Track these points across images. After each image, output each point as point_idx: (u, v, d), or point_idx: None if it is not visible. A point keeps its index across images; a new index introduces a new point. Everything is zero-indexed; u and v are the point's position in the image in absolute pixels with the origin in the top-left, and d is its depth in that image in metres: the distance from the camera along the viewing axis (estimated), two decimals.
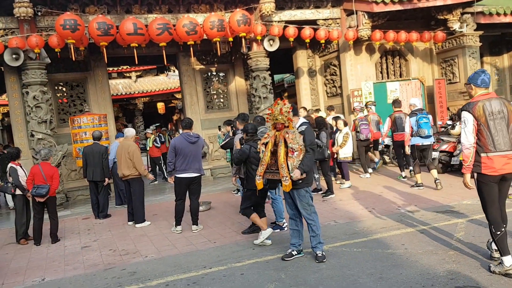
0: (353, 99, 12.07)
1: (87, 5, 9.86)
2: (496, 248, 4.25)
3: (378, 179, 9.98)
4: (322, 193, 8.72)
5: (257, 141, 5.86)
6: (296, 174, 4.78)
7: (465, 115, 4.14)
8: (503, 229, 4.08)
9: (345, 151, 9.17)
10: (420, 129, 8.27)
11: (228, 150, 9.03)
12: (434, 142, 8.91)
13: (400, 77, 13.20)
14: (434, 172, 8.36)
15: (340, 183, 9.53)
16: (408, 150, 8.61)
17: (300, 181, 4.88)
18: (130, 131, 8.15)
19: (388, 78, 13.08)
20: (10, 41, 8.84)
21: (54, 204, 7.26)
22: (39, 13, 9.16)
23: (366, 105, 11.23)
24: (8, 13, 9.07)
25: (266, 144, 5.07)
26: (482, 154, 4.09)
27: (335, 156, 9.28)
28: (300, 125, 5.25)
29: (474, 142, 4.10)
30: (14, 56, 9.03)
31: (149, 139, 13.83)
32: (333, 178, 9.32)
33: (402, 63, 13.37)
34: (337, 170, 9.90)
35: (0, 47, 8.80)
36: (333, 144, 9.27)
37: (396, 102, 9.76)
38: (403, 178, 9.62)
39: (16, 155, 7.51)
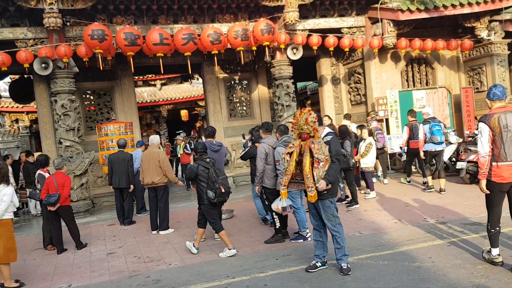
0: (378, 107, 11.94)
1: (115, 16, 10.09)
2: (489, 241, 4.81)
3: (404, 189, 9.80)
4: (346, 203, 8.63)
5: (205, 159, 6.13)
6: (322, 185, 4.74)
7: (482, 126, 4.57)
8: (497, 228, 4.69)
9: (367, 161, 9.09)
10: (433, 135, 8.96)
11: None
12: (445, 148, 9.54)
13: (427, 85, 12.99)
14: (442, 181, 8.99)
15: (365, 193, 9.41)
16: (422, 155, 9.25)
17: (325, 192, 4.84)
18: (156, 139, 8.24)
19: (414, 86, 12.89)
20: (40, 51, 9.10)
21: (67, 212, 7.21)
22: (68, 23, 9.43)
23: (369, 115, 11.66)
24: (37, 23, 9.36)
25: (290, 154, 5.04)
26: (493, 163, 4.54)
27: (359, 165, 9.20)
28: (326, 135, 5.20)
29: (489, 151, 4.52)
30: (43, 65, 9.28)
31: (179, 145, 13.98)
32: (357, 188, 9.22)
33: (428, 71, 13.17)
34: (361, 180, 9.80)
35: (29, 56, 9.07)
36: (357, 153, 9.19)
37: (412, 112, 10.18)
38: (408, 182, 10.26)
39: (44, 162, 7.69)
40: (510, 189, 4.61)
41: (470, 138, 10.74)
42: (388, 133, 11.78)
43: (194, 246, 6.33)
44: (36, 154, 12.55)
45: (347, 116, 11.42)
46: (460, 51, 12.97)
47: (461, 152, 9.86)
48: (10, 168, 9.30)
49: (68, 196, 7.22)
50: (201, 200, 6.15)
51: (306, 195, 5.03)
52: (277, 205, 5.82)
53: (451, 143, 10.51)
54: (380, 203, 8.54)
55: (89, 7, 9.35)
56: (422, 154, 9.22)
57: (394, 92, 11.99)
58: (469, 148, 9.71)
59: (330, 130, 5.45)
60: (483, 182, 4.62)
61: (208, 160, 6.21)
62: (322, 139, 5.06)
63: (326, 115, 11.08)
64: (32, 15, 9.38)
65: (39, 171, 7.61)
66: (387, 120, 12.01)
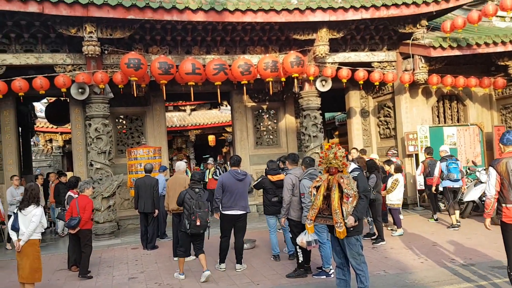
0: (408, 142, 11.79)
1: (151, 46, 10.47)
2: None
3: (432, 226, 9.54)
4: (373, 239, 8.47)
5: (194, 189, 6.46)
6: (351, 221, 4.69)
7: (490, 170, 4.86)
8: None
9: (392, 198, 8.92)
10: (450, 173, 9.35)
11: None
12: (461, 185, 9.73)
13: (458, 122, 12.78)
14: (453, 217, 9.35)
15: (392, 230, 9.22)
16: (434, 189, 9.75)
17: (352, 229, 4.78)
18: (182, 165, 8.35)
19: (445, 122, 12.70)
20: (77, 76, 9.50)
21: (86, 236, 7.11)
22: (106, 52, 9.84)
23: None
24: (76, 50, 9.79)
25: (318, 188, 5.01)
26: (503, 204, 4.78)
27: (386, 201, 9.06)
28: (353, 171, 5.18)
29: (495, 194, 4.80)
30: (80, 90, 9.66)
31: (208, 170, 14.01)
32: (383, 224, 9.05)
33: (460, 108, 12.99)
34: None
35: (67, 81, 9.47)
36: (385, 189, 9.05)
37: (428, 149, 10.64)
38: (435, 220, 10.10)
39: (74, 184, 7.90)
40: None
41: None
42: (401, 171, 11.49)
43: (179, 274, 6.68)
44: (69, 175, 12.95)
45: (363, 151, 11.23)
46: (493, 89, 12.75)
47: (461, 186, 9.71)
48: (41, 189, 9.65)
49: (90, 220, 7.13)
50: (180, 226, 6.62)
51: (329, 231, 4.99)
52: (301, 239, 5.79)
53: (481, 182, 10.21)
54: (407, 241, 8.33)
55: (127, 37, 9.76)
56: (434, 189, 9.75)
57: (425, 128, 11.85)
58: None
59: (357, 166, 5.44)
60: (487, 221, 5.04)
61: (197, 190, 6.48)
62: (350, 174, 5.04)
63: (353, 148, 11.01)
64: (71, 42, 9.85)
65: (69, 193, 7.83)
66: (416, 155, 11.83)
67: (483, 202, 10.05)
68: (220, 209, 6.92)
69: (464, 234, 8.67)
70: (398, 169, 9.20)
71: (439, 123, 12.57)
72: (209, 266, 7.22)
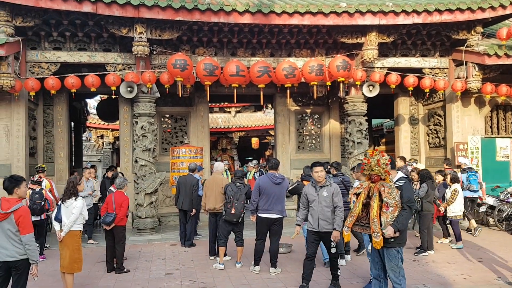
0: (458, 152, 11.26)
1: (197, 47, 10.65)
2: None
3: (480, 243, 9.03)
4: (416, 247, 8.23)
5: (236, 183, 7.27)
6: (389, 232, 4.51)
7: None
8: None
9: (454, 209, 8.70)
10: (470, 184, 9.81)
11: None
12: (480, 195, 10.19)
13: None
14: (473, 222, 9.79)
15: (450, 242, 8.89)
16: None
17: (393, 240, 4.59)
18: (220, 166, 8.44)
19: (498, 133, 12.02)
20: (127, 76, 9.82)
21: (120, 233, 7.16)
22: (154, 52, 10.11)
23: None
24: (127, 50, 10.15)
25: (358, 195, 4.87)
26: None
27: (443, 213, 8.85)
28: (398, 180, 4.95)
29: None
30: (128, 88, 9.98)
31: (249, 172, 14.16)
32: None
33: None
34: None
35: (117, 80, 9.81)
36: (443, 200, 8.85)
37: (447, 160, 11.01)
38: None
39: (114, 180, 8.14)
40: None
41: None
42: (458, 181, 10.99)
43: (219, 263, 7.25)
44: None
45: (402, 158, 10.76)
46: None
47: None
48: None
49: (125, 217, 7.17)
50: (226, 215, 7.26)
51: (370, 241, 4.83)
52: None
53: None
54: (451, 255, 7.94)
55: (175, 38, 9.98)
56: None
57: (476, 138, 11.28)
58: None
59: (403, 175, 5.21)
60: None
61: (238, 184, 7.28)
62: (394, 183, 4.84)
63: (400, 157, 10.62)
64: (122, 42, 10.21)
65: (110, 188, 8.06)
66: None
67: None
68: (257, 212, 6.91)
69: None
70: (455, 179, 8.95)
71: (491, 134, 11.91)
72: (244, 267, 7.25)
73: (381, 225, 4.54)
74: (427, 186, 8.12)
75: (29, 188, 7.92)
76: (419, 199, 8.08)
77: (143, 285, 6.40)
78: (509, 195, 10.35)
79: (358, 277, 6.60)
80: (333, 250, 5.77)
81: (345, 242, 7.52)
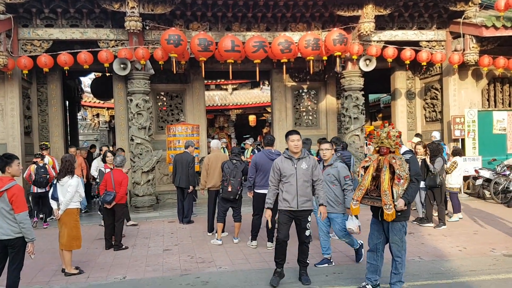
0: (454, 126, 11.25)
1: (191, 22, 10.46)
2: None
3: (476, 215, 9.11)
4: (433, 225, 8.26)
5: (232, 160, 7.31)
6: (401, 204, 4.50)
7: None
8: None
9: (452, 181, 8.80)
10: None
11: None
12: None
13: (509, 106, 12.03)
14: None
15: (448, 214, 8.93)
16: None
17: (399, 213, 4.58)
18: (215, 143, 8.40)
19: (495, 106, 11.99)
20: (120, 52, 9.67)
21: (121, 210, 7.23)
22: (147, 27, 9.93)
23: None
24: (119, 26, 9.96)
25: (366, 168, 4.81)
26: None
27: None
28: (404, 153, 4.96)
29: None
30: (122, 65, 9.84)
31: (247, 150, 14.16)
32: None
33: None
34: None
35: (110, 56, 9.67)
36: None
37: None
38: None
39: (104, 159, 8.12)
40: None
41: None
42: (464, 154, 11.03)
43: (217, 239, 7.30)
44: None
45: (419, 135, 10.84)
46: None
47: None
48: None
49: (125, 195, 7.23)
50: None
51: (373, 214, 4.81)
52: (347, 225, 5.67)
53: None
54: (447, 228, 8.02)
55: (168, 12, 9.78)
56: None
57: (473, 111, 11.24)
58: None
59: (408, 149, 5.20)
60: None
61: (234, 161, 7.31)
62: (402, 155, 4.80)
63: (417, 133, 10.59)
64: (114, 18, 10.02)
65: (101, 167, 8.03)
66: (462, 140, 11.29)
67: None
68: (253, 188, 6.92)
69: (508, 224, 8.21)
70: (457, 152, 9.05)
71: (489, 107, 11.88)
72: (241, 242, 7.31)
73: (393, 197, 4.52)
74: (442, 160, 8.15)
75: (33, 162, 9.02)
76: (433, 174, 8.03)
77: (142, 261, 6.45)
78: (505, 168, 10.38)
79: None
80: (307, 233, 5.25)
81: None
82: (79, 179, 6.06)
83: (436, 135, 10.50)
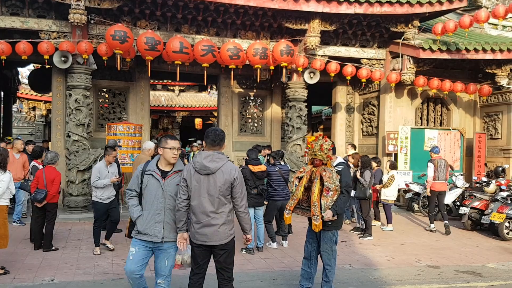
0: (388, 141, 11.85)
1: (139, 19, 10.27)
2: None
3: (404, 226, 9.65)
4: (359, 234, 8.60)
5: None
6: (328, 215, 4.64)
7: None
8: None
9: (388, 194, 9.22)
10: None
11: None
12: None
13: (440, 125, 12.90)
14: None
15: (381, 225, 9.42)
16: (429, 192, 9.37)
17: (330, 223, 4.74)
18: (148, 144, 7.86)
19: (427, 125, 12.80)
20: (61, 44, 9.30)
21: (52, 210, 6.87)
22: (92, 21, 9.62)
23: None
24: (63, 17, 9.57)
25: (300, 179, 4.97)
26: None
27: (378, 197, 9.39)
28: (337, 165, 5.10)
29: None
30: (63, 58, 9.46)
31: (193, 152, 14.08)
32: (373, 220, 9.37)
33: (443, 112, 13.09)
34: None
35: (51, 48, 9.27)
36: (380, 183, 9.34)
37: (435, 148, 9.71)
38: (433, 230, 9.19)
39: (38, 154, 7.74)
40: None
41: (478, 184, 10.55)
42: (396, 168, 11.63)
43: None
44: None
45: (354, 146, 11.25)
46: (478, 95, 12.88)
47: (466, 197, 9.71)
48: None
49: (57, 193, 6.86)
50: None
51: (310, 224, 4.95)
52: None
53: (457, 187, 10.35)
54: (377, 238, 8.41)
55: (115, 7, 9.55)
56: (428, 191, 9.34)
57: (406, 128, 11.91)
58: (474, 194, 9.55)
59: (342, 160, 5.40)
60: None
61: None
62: (334, 167, 4.99)
63: (350, 144, 10.91)
64: (58, 9, 9.61)
65: (33, 162, 7.65)
66: (395, 155, 11.91)
67: (457, 207, 10.22)
68: None
69: (434, 236, 8.78)
70: (393, 166, 9.51)
71: (421, 125, 12.65)
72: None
73: (321, 209, 4.67)
74: (370, 173, 8.47)
75: None
76: (364, 186, 8.33)
77: (72, 263, 6.20)
78: None
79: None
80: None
81: (287, 225, 7.78)
82: (11, 174, 5.74)
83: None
